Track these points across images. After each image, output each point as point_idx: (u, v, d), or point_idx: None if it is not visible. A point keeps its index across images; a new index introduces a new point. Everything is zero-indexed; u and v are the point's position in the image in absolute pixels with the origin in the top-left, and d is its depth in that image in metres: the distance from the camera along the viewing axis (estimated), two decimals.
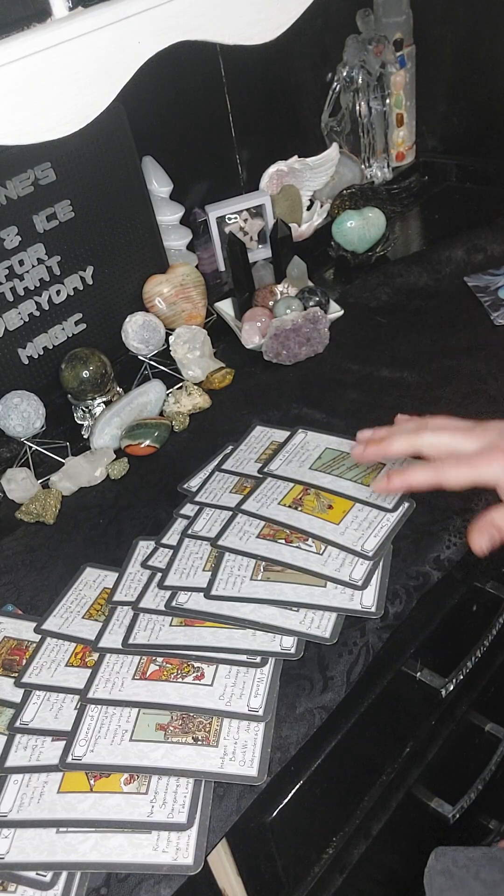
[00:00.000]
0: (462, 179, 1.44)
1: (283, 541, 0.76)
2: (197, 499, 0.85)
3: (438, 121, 1.42)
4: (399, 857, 0.97)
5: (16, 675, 0.70)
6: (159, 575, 0.76)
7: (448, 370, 0.97)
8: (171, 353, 1.06)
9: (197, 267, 1.16)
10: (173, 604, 0.73)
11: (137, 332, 1.05)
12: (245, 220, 1.23)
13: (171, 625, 0.71)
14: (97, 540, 0.85)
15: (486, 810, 1.11)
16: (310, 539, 0.76)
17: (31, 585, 0.81)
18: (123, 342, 1.06)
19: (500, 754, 0.97)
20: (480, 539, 0.61)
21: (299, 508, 0.79)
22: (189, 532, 0.80)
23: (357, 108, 1.33)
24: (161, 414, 1.01)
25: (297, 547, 0.75)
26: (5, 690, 0.69)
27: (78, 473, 0.93)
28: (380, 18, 1.31)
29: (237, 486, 0.85)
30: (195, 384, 1.04)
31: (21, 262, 0.95)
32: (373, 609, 0.69)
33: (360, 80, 1.30)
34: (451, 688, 0.81)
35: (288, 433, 0.92)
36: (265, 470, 0.85)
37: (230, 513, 0.81)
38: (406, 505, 0.79)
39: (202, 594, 0.73)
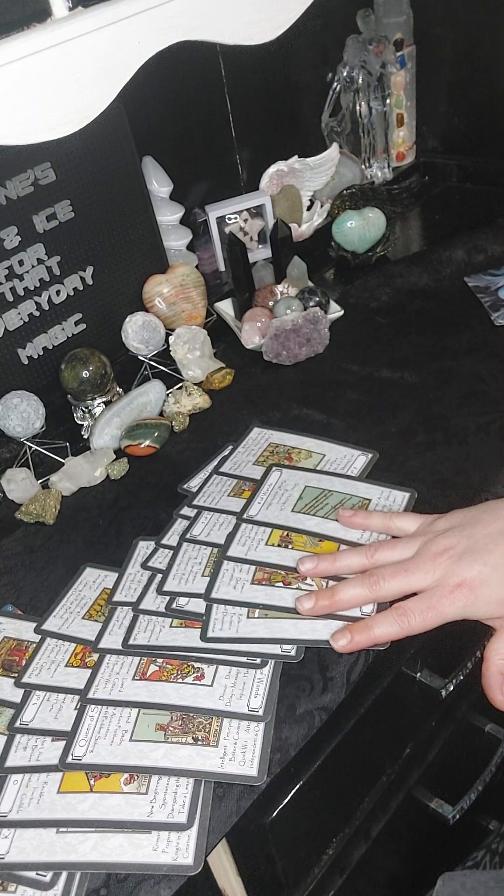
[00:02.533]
0: (462, 180, 1.44)
1: (280, 584, 0.72)
2: (195, 502, 0.84)
3: (439, 121, 1.42)
4: (399, 859, 0.97)
5: (16, 675, 0.70)
6: (159, 576, 0.76)
7: (448, 370, 0.97)
8: (171, 353, 1.06)
9: (197, 267, 1.16)
10: (173, 606, 0.72)
11: (137, 333, 1.05)
12: (245, 220, 1.23)
13: (171, 626, 0.71)
14: (97, 540, 0.85)
15: (486, 811, 1.11)
16: (308, 577, 0.72)
17: (31, 586, 0.81)
18: (123, 342, 1.06)
19: (501, 755, 0.97)
20: (501, 696, 0.64)
21: (289, 546, 0.75)
22: (188, 536, 0.80)
23: (357, 108, 1.33)
24: (161, 414, 1.01)
25: (296, 588, 0.71)
26: (5, 690, 0.69)
27: (78, 474, 0.93)
28: (380, 18, 1.31)
29: (235, 489, 0.85)
30: (195, 384, 1.03)
31: (21, 262, 0.95)
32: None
33: (360, 81, 1.30)
34: (451, 688, 0.81)
35: (290, 433, 0.92)
36: (244, 516, 0.79)
37: (223, 540, 0.77)
38: (407, 495, 0.79)
39: (201, 599, 0.72)
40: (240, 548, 0.76)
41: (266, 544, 0.76)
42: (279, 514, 0.79)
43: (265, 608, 0.70)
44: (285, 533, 0.77)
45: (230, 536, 0.77)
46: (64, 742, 0.63)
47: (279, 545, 0.75)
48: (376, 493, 0.80)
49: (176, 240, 1.15)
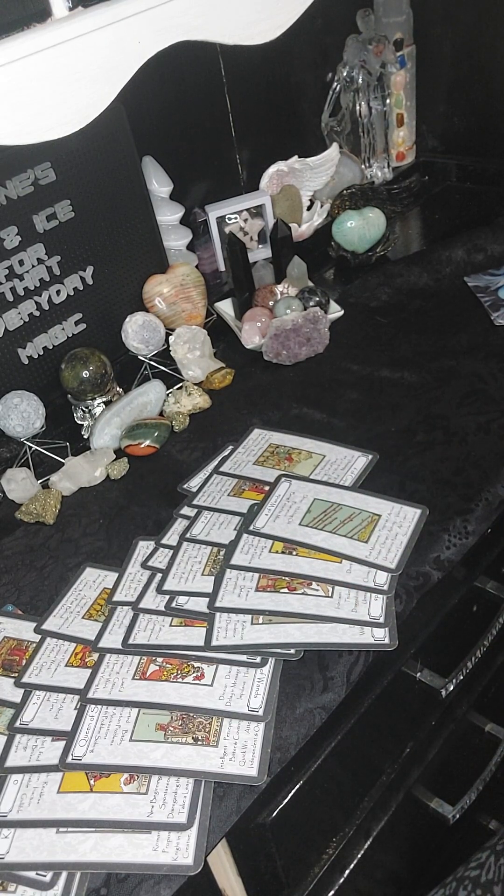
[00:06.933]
0: (462, 179, 1.44)
1: (285, 590, 0.71)
2: (195, 502, 0.84)
3: (438, 121, 1.42)
4: (399, 858, 0.97)
5: (16, 675, 0.70)
6: (159, 576, 0.76)
7: (448, 370, 0.97)
8: (171, 353, 1.06)
9: (197, 267, 1.16)
10: (173, 605, 0.72)
11: (137, 332, 1.05)
12: (245, 220, 1.23)
13: (171, 625, 0.71)
14: (97, 540, 0.85)
15: (486, 811, 1.11)
16: (314, 583, 0.72)
17: (31, 585, 0.82)
18: (123, 342, 1.06)
19: (501, 754, 0.97)
20: None
21: (294, 553, 0.75)
22: (188, 536, 0.80)
23: (357, 108, 1.33)
24: (161, 414, 1.01)
25: (302, 594, 0.71)
26: (5, 690, 0.69)
27: (78, 473, 0.93)
28: (380, 18, 1.31)
29: (235, 489, 0.85)
30: (195, 384, 1.03)
31: (21, 262, 0.95)
32: (386, 640, 0.66)
33: (360, 80, 1.30)
34: (451, 688, 0.81)
35: (290, 434, 0.92)
36: (251, 528, 0.78)
37: (223, 539, 0.77)
38: (419, 511, 0.78)
39: (204, 601, 0.72)
40: (243, 556, 0.75)
41: (270, 552, 0.75)
42: (286, 528, 0.78)
43: (272, 615, 0.69)
44: None
45: (233, 545, 0.77)
46: (64, 742, 0.63)
47: (283, 552, 0.75)
48: (387, 508, 0.79)
49: (176, 240, 1.15)
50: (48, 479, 0.94)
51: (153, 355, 1.07)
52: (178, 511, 0.84)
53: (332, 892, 0.80)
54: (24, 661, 0.72)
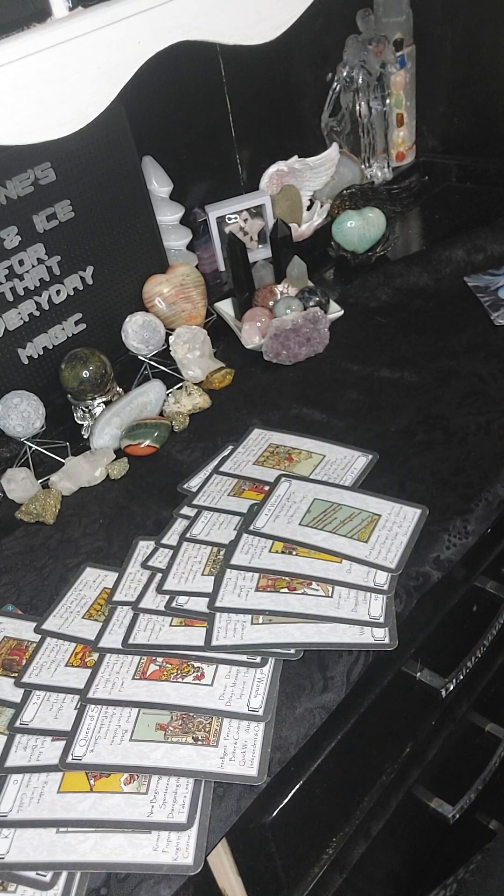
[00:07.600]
0: (462, 179, 1.44)
1: (285, 590, 0.72)
2: (195, 502, 0.84)
3: (438, 121, 1.42)
4: (399, 858, 0.97)
5: (16, 675, 0.70)
6: (159, 576, 0.76)
7: (448, 370, 0.97)
8: (171, 353, 1.06)
9: (197, 267, 1.16)
10: (173, 604, 0.72)
11: (137, 332, 1.05)
12: (245, 220, 1.23)
13: (171, 625, 0.71)
14: (97, 540, 0.85)
15: (486, 811, 1.11)
16: (314, 582, 0.72)
17: (31, 585, 0.82)
18: (123, 342, 1.06)
19: (500, 754, 0.97)
20: None
21: (293, 553, 0.75)
22: (188, 536, 0.80)
23: (357, 108, 1.33)
24: (161, 414, 1.01)
25: (302, 594, 0.71)
26: (5, 690, 0.69)
27: (78, 473, 0.93)
28: (380, 18, 1.31)
29: (235, 489, 0.85)
30: (195, 384, 1.03)
31: (21, 262, 0.95)
32: (386, 640, 0.66)
33: (360, 80, 1.30)
34: (451, 688, 0.81)
35: (290, 433, 0.92)
36: (251, 528, 0.78)
37: (223, 539, 0.77)
38: (419, 511, 0.78)
39: (204, 601, 0.72)
40: (243, 556, 0.75)
41: (269, 552, 0.75)
42: (286, 528, 0.78)
43: (272, 615, 0.69)
44: None
45: (233, 545, 0.77)
46: (64, 742, 0.63)
47: (283, 552, 0.75)
48: (387, 508, 0.79)
49: (176, 240, 1.15)
50: (48, 479, 0.94)
51: (153, 355, 1.07)
52: (178, 511, 0.84)
53: (332, 892, 0.80)
54: (24, 661, 0.72)
